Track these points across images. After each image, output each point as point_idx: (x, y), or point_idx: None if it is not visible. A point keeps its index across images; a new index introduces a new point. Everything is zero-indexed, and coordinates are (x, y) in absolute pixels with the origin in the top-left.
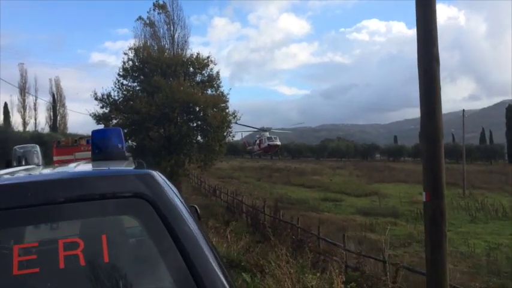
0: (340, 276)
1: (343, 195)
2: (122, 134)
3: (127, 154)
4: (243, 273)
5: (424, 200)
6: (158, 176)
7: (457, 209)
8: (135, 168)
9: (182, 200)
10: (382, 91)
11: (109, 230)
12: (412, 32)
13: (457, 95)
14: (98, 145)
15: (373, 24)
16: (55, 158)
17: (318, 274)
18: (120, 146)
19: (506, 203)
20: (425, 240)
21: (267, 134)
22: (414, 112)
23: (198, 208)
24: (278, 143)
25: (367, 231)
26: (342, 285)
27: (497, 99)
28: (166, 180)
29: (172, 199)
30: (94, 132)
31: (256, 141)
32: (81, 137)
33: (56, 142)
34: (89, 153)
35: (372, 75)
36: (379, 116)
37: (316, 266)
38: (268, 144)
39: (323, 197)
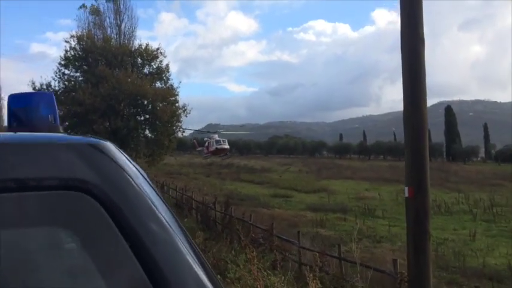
0: (315, 282)
1: (293, 192)
2: (55, 101)
3: (61, 131)
4: None
5: (407, 195)
6: (113, 148)
7: (402, 204)
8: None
9: (155, 189)
10: (327, 90)
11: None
12: (357, 35)
13: (396, 96)
14: (18, 116)
15: (320, 25)
16: None
17: (282, 277)
18: (51, 117)
19: (448, 199)
20: (407, 239)
21: (216, 136)
22: (358, 111)
23: None
24: (226, 146)
25: (318, 227)
26: None
27: (434, 100)
28: (127, 156)
29: (140, 191)
30: (11, 97)
31: (205, 143)
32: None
33: None
34: None
35: (318, 74)
36: (324, 114)
37: (275, 266)
38: (216, 148)
39: (273, 193)
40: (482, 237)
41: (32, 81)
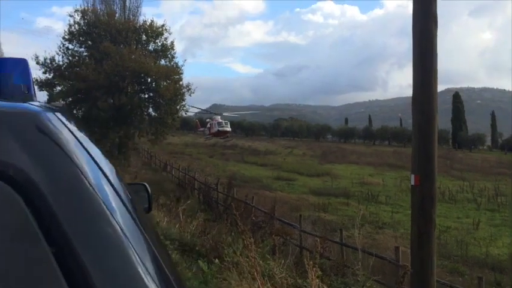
0: (314, 269)
1: (296, 175)
2: (29, 68)
3: (38, 101)
4: (198, 261)
5: (412, 183)
6: (58, 124)
7: (405, 191)
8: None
9: (115, 178)
10: (333, 74)
11: None
12: (365, 18)
13: (403, 81)
14: None
15: (328, 6)
16: None
17: (282, 261)
18: (23, 86)
19: (452, 186)
20: (411, 229)
21: (218, 118)
22: (364, 95)
23: (148, 187)
24: (228, 129)
25: (320, 211)
26: (317, 280)
27: (442, 87)
28: (88, 139)
29: (88, 187)
30: None
31: (207, 124)
32: None
33: None
34: None
35: (325, 57)
36: (330, 98)
37: (275, 251)
38: (218, 130)
39: (276, 175)
40: (485, 227)
41: (36, 55)
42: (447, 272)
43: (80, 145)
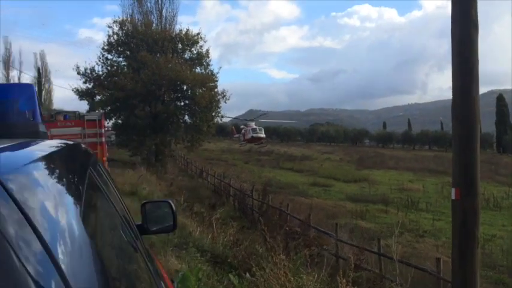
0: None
1: (333, 181)
2: (36, 94)
3: (42, 129)
4: (229, 274)
5: (453, 197)
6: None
7: (447, 197)
8: None
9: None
10: (370, 77)
11: None
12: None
13: (444, 84)
14: None
15: (365, 9)
16: None
17: (315, 275)
18: (28, 113)
19: (497, 193)
20: (452, 244)
21: (253, 124)
22: (402, 99)
23: (173, 204)
24: (262, 135)
25: (358, 218)
26: None
27: (484, 89)
28: None
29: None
30: None
31: (242, 131)
32: (58, 112)
33: None
34: (66, 130)
35: (361, 61)
36: (367, 102)
37: (310, 262)
38: (252, 136)
39: (312, 181)
40: None
41: (77, 65)
42: (492, 284)
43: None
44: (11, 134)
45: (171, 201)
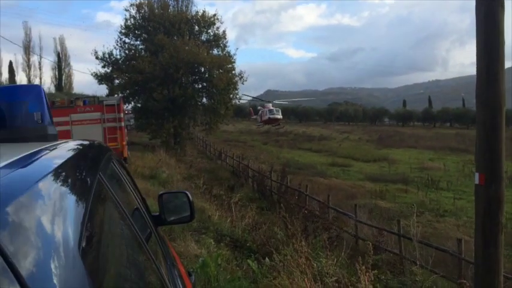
0: (367, 274)
1: (351, 161)
2: (45, 95)
3: (51, 132)
4: (248, 260)
5: (477, 182)
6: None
7: (469, 176)
8: None
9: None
10: (390, 55)
11: None
12: None
13: (466, 59)
14: (1, 112)
15: None
16: None
17: (334, 259)
18: (37, 116)
19: None
20: (475, 231)
21: (270, 105)
22: (423, 76)
23: (189, 195)
24: (279, 116)
25: (377, 198)
26: (371, 287)
27: (508, 64)
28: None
29: None
30: None
31: (259, 112)
32: (78, 98)
33: (51, 103)
34: (85, 115)
35: (380, 38)
36: (387, 80)
37: (329, 245)
38: (269, 118)
39: (331, 162)
40: None
41: (95, 50)
42: None
43: None
44: (19, 139)
45: (187, 192)
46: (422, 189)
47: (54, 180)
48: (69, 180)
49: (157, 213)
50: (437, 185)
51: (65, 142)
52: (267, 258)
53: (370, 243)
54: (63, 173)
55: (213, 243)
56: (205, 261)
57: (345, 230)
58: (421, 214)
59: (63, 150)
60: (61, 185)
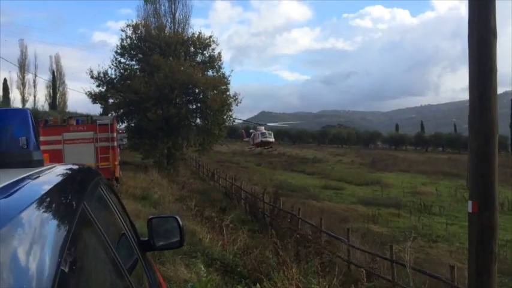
0: None
1: (344, 184)
2: (31, 119)
3: (37, 157)
4: (238, 286)
5: (470, 210)
6: None
7: (461, 201)
8: None
9: None
10: (383, 79)
11: None
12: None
13: (457, 85)
14: None
15: (377, 10)
16: (41, 139)
17: (327, 286)
18: (22, 141)
19: None
20: (468, 259)
21: (262, 128)
22: (415, 100)
23: (179, 220)
24: (271, 139)
25: (370, 222)
26: None
27: (499, 90)
28: None
29: None
30: None
31: (251, 135)
32: (71, 117)
33: (43, 121)
34: (78, 134)
35: (373, 62)
36: (379, 103)
37: (322, 271)
38: (261, 140)
39: (324, 184)
40: None
41: (90, 69)
42: None
43: None
44: (3, 164)
45: (178, 217)
46: (415, 213)
47: (36, 211)
48: (52, 211)
49: (147, 238)
50: (430, 210)
51: (50, 168)
52: (258, 284)
53: (364, 270)
54: (45, 204)
55: (203, 268)
56: (195, 286)
57: (337, 255)
58: (413, 239)
59: (47, 178)
60: (42, 216)
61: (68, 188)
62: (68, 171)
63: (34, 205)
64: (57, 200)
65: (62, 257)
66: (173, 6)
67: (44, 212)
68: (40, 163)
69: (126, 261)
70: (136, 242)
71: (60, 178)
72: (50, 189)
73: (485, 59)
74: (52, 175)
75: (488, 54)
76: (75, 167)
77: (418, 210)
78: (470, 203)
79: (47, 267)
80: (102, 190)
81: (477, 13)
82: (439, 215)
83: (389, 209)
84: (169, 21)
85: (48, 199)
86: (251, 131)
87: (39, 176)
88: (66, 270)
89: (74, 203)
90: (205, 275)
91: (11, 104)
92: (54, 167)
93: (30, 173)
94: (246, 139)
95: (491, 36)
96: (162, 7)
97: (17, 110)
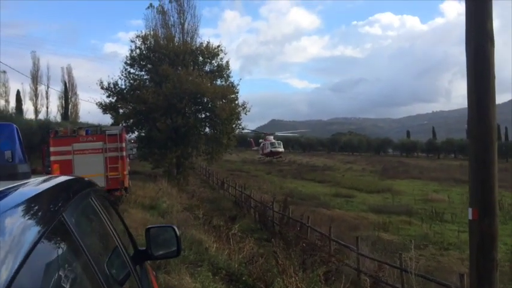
0: None
1: (355, 191)
2: (17, 133)
3: (22, 170)
4: None
5: (471, 218)
6: None
7: None
8: None
9: None
10: (393, 85)
11: None
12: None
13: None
14: None
15: (386, 17)
16: (52, 150)
17: None
18: (8, 155)
19: None
20: (469, 267)
21: (271, 138)
22: (426, 107)
23: (176, 229)
24: (281, 149)
25: (380, 230)
26: None
27: (506, 97)
28: None
29: None
30: None
31: (260, 144)
32: (80, 127)
33: (53, 132)
34: (87, 145)
35: (383, 69)
36: (390, 110)
37: (328, 278)
38: (271, 151)
39: (334, 192)
40: None
41: (100, 80)
42: None
43: None
44: None
45: (175, 227)
46: (427, 221)
47: (6, 220)
48: (23, 222)
49: (145, 248)
50: (442, 217)
51: (35, 180)
52: None
53: (367, 279)
54: (17, 214)
55: (211, 276)
56: None
57: (346, 264)
58: (425, 247)
59: (26, 190)
60: (13, 226)
61: (45, 200)
62: (52, 183)
63: (6, 214)
64: (31, 211)
65: (22, 265)
66: (182, 16)
67: (14, 222)
68: (26, 176)
69: (116, 273)
70: (128, 254)
71: (39, 190)
72: (25, 201)
73: (483, 66)
74: (33, 187)
75: (485, 61)
76: (64, 178)
77: (429, 217)
78: (470, 210)
79: (2, 274)
80: (93, 201)
81: (474, 19)
82: (451, 222)
83: (400, 216)
84: (178, 32)
85: (20, 210)
86: (260, 140)
87: (18, 189)
88: (26, 279)
89: (48, 214)
90: (210, 284)
91: (24, 115)
92: (39, 179)
93: (12, 185)
94: (255, 148)
95: (489, 43)
96: (172, 17)
97: (3, 125)
